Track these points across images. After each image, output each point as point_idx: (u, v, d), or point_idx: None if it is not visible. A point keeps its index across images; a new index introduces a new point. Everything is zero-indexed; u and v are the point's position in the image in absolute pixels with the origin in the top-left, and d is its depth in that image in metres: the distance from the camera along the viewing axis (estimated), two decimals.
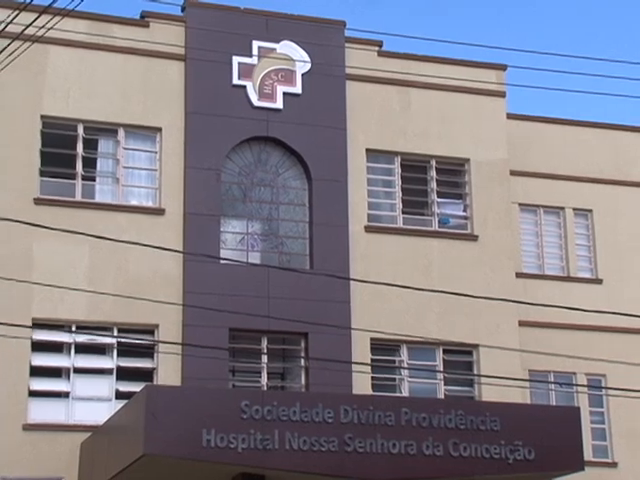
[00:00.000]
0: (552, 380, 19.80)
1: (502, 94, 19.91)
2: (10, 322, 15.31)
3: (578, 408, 16.91)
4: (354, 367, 17.34)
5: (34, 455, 15.85)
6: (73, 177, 17.66)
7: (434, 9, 45.31)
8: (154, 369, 17.07)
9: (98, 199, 17.77)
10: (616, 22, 46.45)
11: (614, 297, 20.04)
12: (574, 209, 21.16)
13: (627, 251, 21.08)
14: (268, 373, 17.68)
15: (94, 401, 16.74)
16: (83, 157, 17.77)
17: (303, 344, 17.75)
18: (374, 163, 19.16)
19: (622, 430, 19.92)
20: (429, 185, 19.38)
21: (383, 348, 18.19)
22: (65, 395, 16.77)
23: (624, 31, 46.45)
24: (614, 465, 19.75)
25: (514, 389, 17.70)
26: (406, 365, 18.30)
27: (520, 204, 20.67)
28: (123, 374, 17.00)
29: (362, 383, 17.54)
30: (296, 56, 18.75)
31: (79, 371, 16.89)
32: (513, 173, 19.96)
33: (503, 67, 19.87)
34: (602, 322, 19.21)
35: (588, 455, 17.15)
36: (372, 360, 17.96)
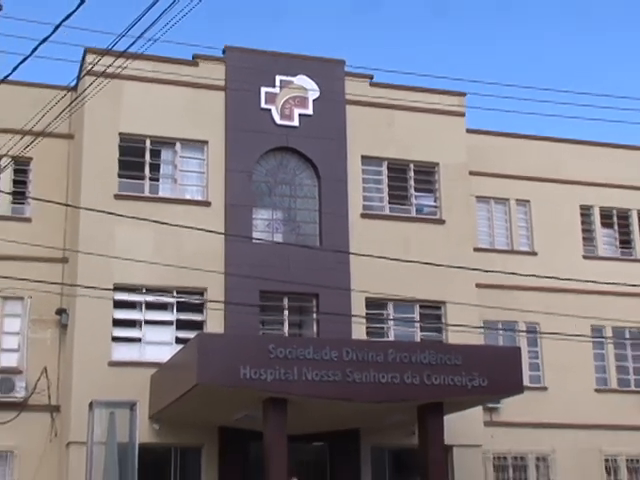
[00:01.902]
0: (500, 327, 19.85)
1: (462, 114, 19.82)
2: (98, 286, 15.58)
3: (519, 348, 17.03)
4: (353, 319, 17.44)
5: (116, 384, 15.89)
6: (142, 178, 17.67)
7: (415, 45, 45.25)
8: (204, 321, 17.10)
9: (161, 194, 17.76)
10: (553, 55, 46.28)
11: (546, 265, 19.90)
12: (516, 200, 21.05)
13: (556, 231, 21.01)
14: (289, 324, 17.69)
15: (160, 344, 16.76)
16: (150, 163, 17.78)
17: (315, 302, 17.71)
18: (367, 166, 19.08)
19: (551, 363, 19.94)
20: (408, 183, 19.31)
21: (374, 305, 18.17)
22: (138, 340, 16.84)
23: (560, 63, 46.24)
24: (545, 389, 19.81)
25: (472, 334, 17.81)
26: (392, 317, 18.34)
27: (477, 196, 20.56)
28: (181, 325, 17.05)
29: (359, 331, 17.57)
30: (308, 86, 18.70)
31: (148, 322, 16.95)
32: (471, 173, 19.88)
33: (463, 94, 19.79)
34: (537, 284, 19.17)
35: (526, 382, 17.13)
36: (366, 314, 17.95)
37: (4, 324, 17.14)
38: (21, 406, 16.62)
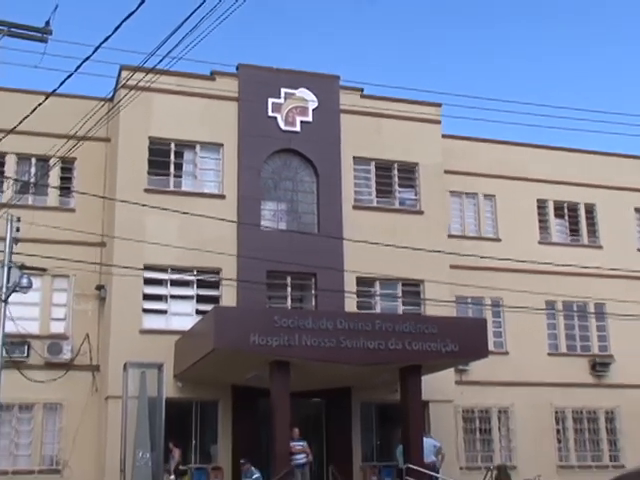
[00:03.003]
0: (469, 302, 19.85)
1: (438, 122, 19.71)
2: (131, 266, 15.58)
3: (485, 319, 17.10)
4: (345, 295, 17.45)
5: (146, 349, 15.92)
6: (168, 175, 17.61)
7: (402, 61, 45.09)
8: (219, 296, 17.10)
9: (183, 189, 17.69)
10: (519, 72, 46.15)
11: (508, 249, 19.91)
12: (484, 194, 20.99)
13: (516, 221, 20.95)
14: (291, 299, 17.68)
15: (183, 315, 16.77)
16: (174, 162, 17.72)
17: (313, 280, 17.68)
18: (358, 165, 19.01)
19: (511, 331, 19.95)
20: (393, 179, 19.26)
21: (364, 283, 18.14)
22: (165, 312, 16.84)
23: (526, 79, 46.15)
24: (507, 353, 19.83)
25: (446, 308, 17.86)
26: (378, 293, 18.33)
27: (450, 191, 20.50)
28: (200, 299, 17.04)
29: (351, 305, 17.60)
30: (308, 98, 18.62)
31: (173, 297, 16.95)
32: (446, 172, 19.79)
33: (439, 105, 19.65)
34: (500, 265, 19.28)
35: (491, 347, 17.23)
36: (357, 290, 17.95)
37: (53, 298, 17.24)
38: (67, 366, 16.73)
